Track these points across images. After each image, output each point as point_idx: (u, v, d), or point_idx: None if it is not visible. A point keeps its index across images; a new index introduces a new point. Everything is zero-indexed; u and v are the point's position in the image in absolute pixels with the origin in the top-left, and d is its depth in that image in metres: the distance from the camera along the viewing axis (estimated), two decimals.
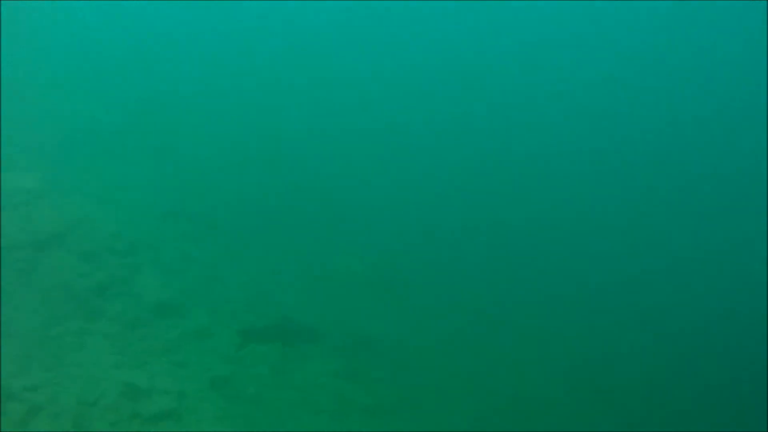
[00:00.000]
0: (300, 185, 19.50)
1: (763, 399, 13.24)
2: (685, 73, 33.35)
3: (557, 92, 30.47)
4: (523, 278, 16.70)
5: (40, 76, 20.85)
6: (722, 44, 34.33)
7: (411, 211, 19.13)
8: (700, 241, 21.00)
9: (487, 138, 25.65)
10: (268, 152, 21.24)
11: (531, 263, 17.60)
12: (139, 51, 26.56)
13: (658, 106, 30.78)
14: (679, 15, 35.47)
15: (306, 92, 27.32)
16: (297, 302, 13.45)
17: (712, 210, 22.98)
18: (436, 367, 12.53)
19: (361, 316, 13.66)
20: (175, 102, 22.88)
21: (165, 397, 9.49)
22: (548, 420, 11.77)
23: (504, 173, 23.02)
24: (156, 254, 13.27)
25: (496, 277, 16.66)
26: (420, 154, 23.18)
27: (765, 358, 14.57)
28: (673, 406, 12.99)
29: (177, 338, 11.01)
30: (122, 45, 26.80)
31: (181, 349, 10.75)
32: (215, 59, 27.78)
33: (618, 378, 13.41)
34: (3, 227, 11.79)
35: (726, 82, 33.06)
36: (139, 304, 11.41)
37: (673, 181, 24.90)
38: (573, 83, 31.58)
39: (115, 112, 20.54)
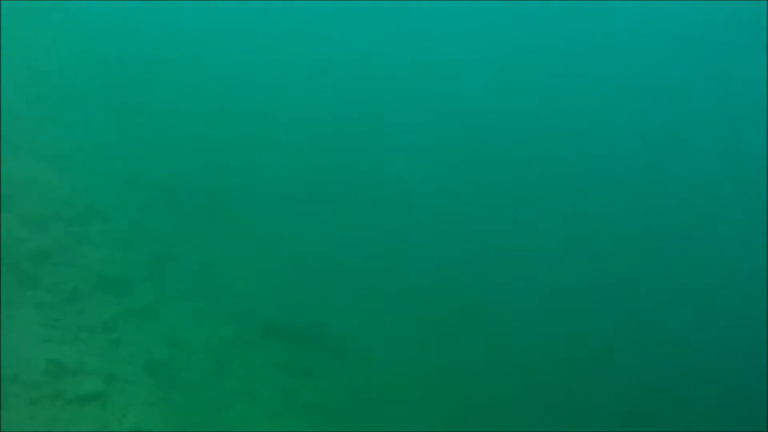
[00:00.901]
0: (274, 163, 18.83)
1: (764, 399, 13.09)
2: (684, 73, 33.01)
3: (556, 93, 30.02)
4: (504, 278, 16.22)
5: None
6: (722, 44, 34.01)
7: (388, 203, 18.58)
8: (699, 241, 20.75)
9: (476, 138, 25.10)
10: (245, 125, 20.51)
11: (513, 262, 17.11)
12: (114, 10, 25.50)
13: (658, 106, 30.47)
14: (679, 15, 35.09)
15: (290, 60, 26.48)
16: (251, 288, 12.95)
17: (712, 210, 22.74)
18: (395, 372, 12.02)
19: (320, 310, 13.14)
20: (148, 64, 22.02)
21: (93, 378, 8.92)
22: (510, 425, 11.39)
23: (492, 174, 22.50)
24: (107, 224, 12.65)
25: (467, 281, 16.20)
26: (401, 147, 22.58)
27: (765, 358, 14.43)
28: (672, 406, 12.74)
29: (116, 316, 10.42)
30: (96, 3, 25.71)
31: (118, 328, 10.17)
32: (193, 25, 26.82)
33: (614, 379, 13.16)
34: None
35: (726, 82, 32.78)
36: (80, 276, 10.79)
37: (673, 182, 24.61)
38: (573, 83, 31.14)
39: (84, 71, 19.66)
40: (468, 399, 11.98)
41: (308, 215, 16.58)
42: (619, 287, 17.04)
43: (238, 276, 13.18)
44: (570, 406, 12.18)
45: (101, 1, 24.96)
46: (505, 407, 12.00)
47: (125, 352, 9.77)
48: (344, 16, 33.69)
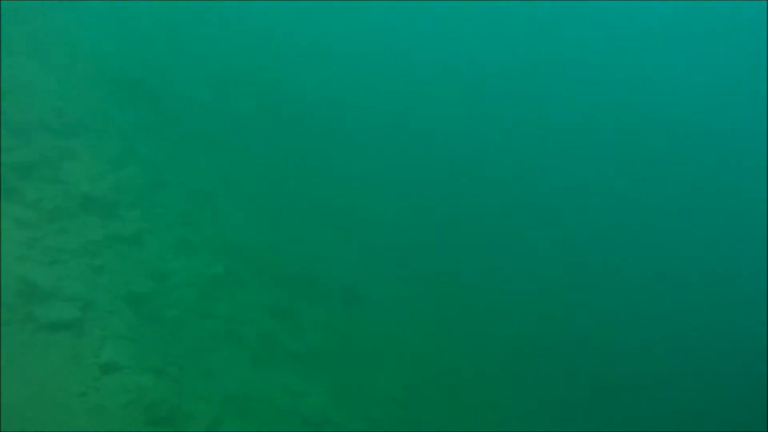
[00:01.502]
0: (279, 93, 17.88)
1: (764, 399, 13.06)
2: (684, 73, 32.30)
3: (552, 95, 28.96)
4: (514, 265, 15.84)
5: None
6: (722, 44, 33.19)
7: (398, 148, 17.87)
8: (699, 240, 20.48)
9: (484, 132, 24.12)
10: (254, 51, 19.43)
11: (526, 253, 16.72)
12: None
13: (659, 106, 29.76)
14: (680, 15, 34.05)
15: None
16: (246, 224, 12.36)
17: (712, 210, 22.42)
18: (389, 329, 11.59)
19: (318, 255, 12.62)
20: None
21: (68, 305, 8.43)
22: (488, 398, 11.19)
23: (508, 168, 21.79)
24: (98, 141, 11.87)
25: (471, 236, 15.79)
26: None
27: (765, 358, 14.37)
28: (672, 405, 12.62)
29: (99, 240, 9.82)
30: None
31: (101, 254, 9.60)
32: None
33: (613, 378, 13.01)
34: None
35: (726, 82, 32.12)
36: (65, 194, 10.13)
37: (673, 182, 24.18)
38: (575, 83, 30.11)
39: None
40: (461, 360, 11.68)
41: (313, 150, 15.84)
42: (619, 287, 16.69)
43: (232, 209, 12.56)
44: (567, 405, 11.90)
45: None
46: (502, 379, 11.76)
47: (105, 281, 9.24)
48: None
